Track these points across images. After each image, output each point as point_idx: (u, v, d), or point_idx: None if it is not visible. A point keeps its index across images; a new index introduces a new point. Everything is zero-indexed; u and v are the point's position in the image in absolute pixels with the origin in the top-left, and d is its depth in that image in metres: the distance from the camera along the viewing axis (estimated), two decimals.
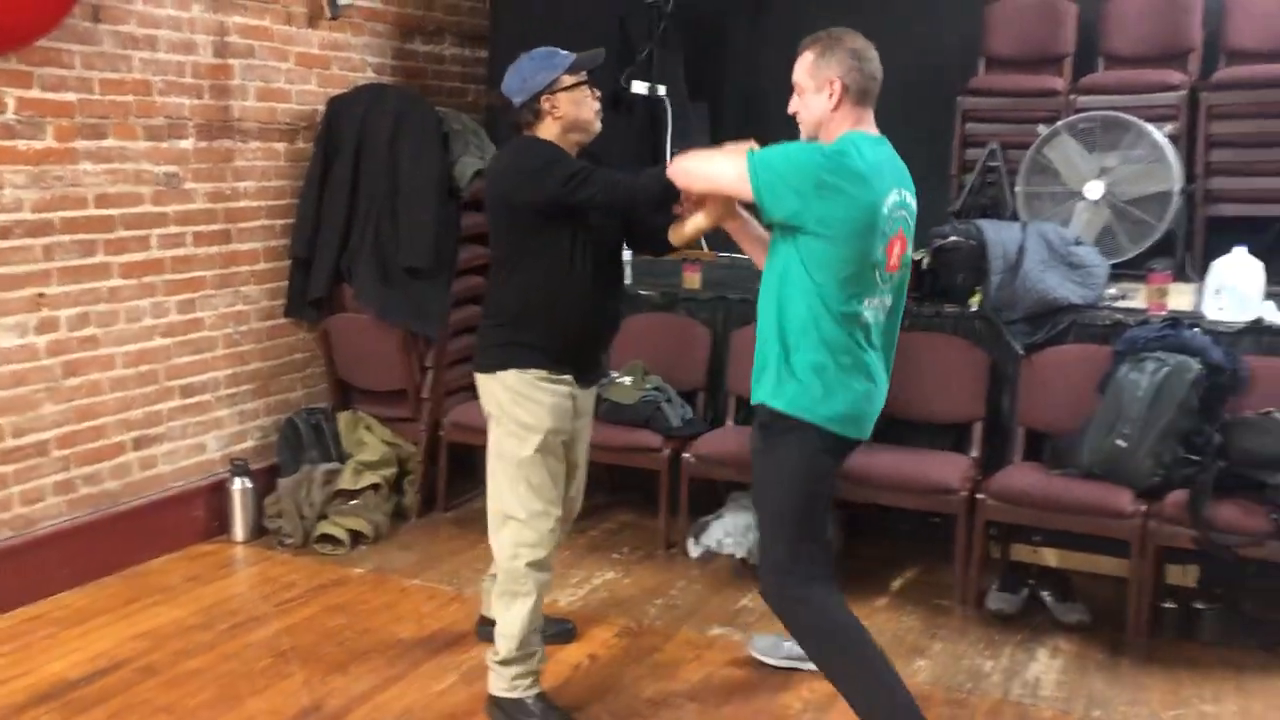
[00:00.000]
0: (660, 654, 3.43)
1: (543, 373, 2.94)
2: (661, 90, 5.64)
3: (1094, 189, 4.68)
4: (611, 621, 3.64)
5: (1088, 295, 3.97)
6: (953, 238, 4.13)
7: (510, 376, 2.94)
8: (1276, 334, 3.67)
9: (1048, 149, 4.80)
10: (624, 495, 4.83)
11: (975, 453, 3.96)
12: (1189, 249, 4.91)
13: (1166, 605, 3.54)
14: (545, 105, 2.93)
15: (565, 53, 2.96)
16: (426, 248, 4.47)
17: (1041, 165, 4.82)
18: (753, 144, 2.72)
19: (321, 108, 4.63)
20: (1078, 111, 4.99)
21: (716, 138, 6.39)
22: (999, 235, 4.04)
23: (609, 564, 4.14)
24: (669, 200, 2.87)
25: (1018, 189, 4.89)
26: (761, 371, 2.69)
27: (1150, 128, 4.65)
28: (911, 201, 2.73)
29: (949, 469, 3.80)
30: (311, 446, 4.48)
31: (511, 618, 2.96)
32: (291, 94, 4.56)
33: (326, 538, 4.24)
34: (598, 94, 3.02)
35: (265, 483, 4.41)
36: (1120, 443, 3.52)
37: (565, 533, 3.26)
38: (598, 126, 3.03)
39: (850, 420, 2.65)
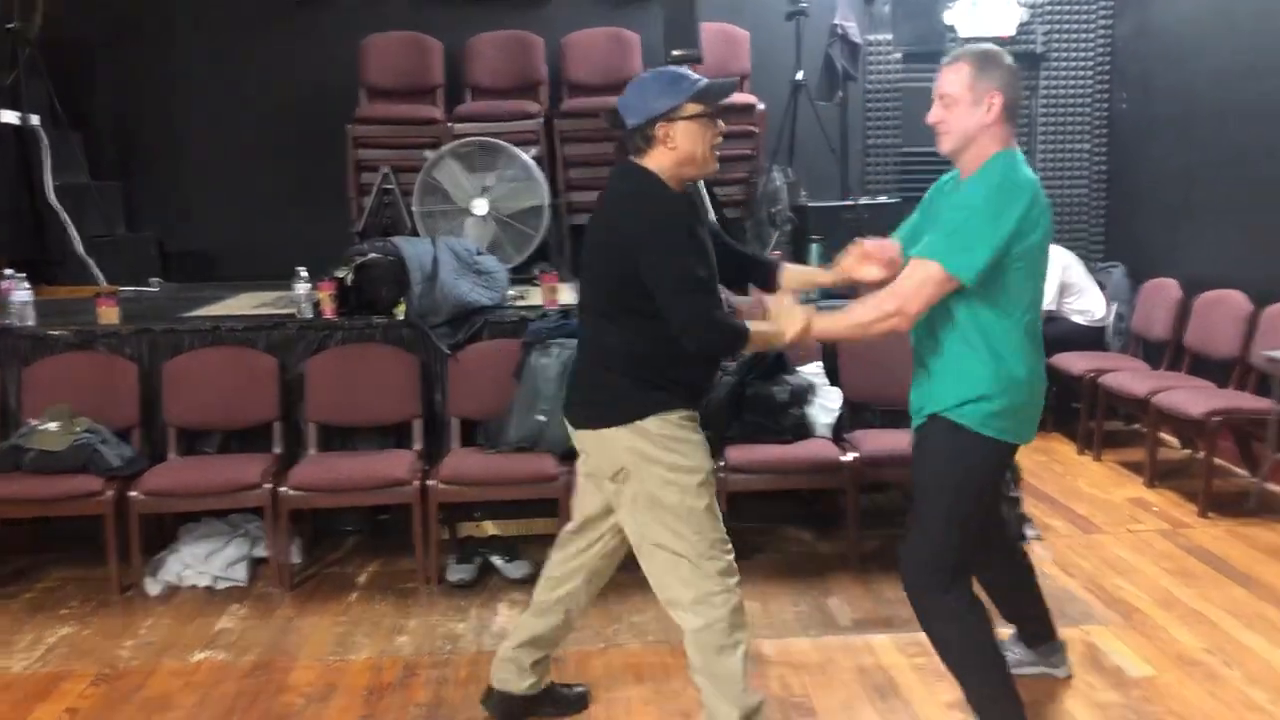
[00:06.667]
0: (146, 689, 3.38)
1: (684, 413, 2.70)
2: (34, 119, 5.31)
3: (480, 206, 5.34)
4: (82, 673, 3.48)
5: (495, 297, 4.56)
6: (372, 254, 4.48)
7: (651, 424, 2.66)
8: None
9: (435, 171, 5.37)
10: (52, 554, 4.50)
11: (418, 446, 4.38)
12: (561, 253, 5.79)
13: None
14: (659, 134, 2.61)
15: (695, 77, 2.65)
16: None
17: (432, 186, 5.38)
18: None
19: None
20: (456, 137, 5.63)
21: (93, 168, 6.16)
22: (415, 250, 4.47)
23: (59, 620, 3.90)
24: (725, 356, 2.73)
25: (414, 208, 5.41)
26: (941, 387, 2.71)
27: (518, 151, 5.41)
28: None
29: (398, 464, 4.15)
30: None
31: (729, 673, 2.70)
32: None
33: None
34: (722, 128, 2.71)
35: None
36: (540, 418, 4.15)
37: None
38: (715, 166, 2.72)
39: (1029, 430, 2.77)
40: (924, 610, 2.79)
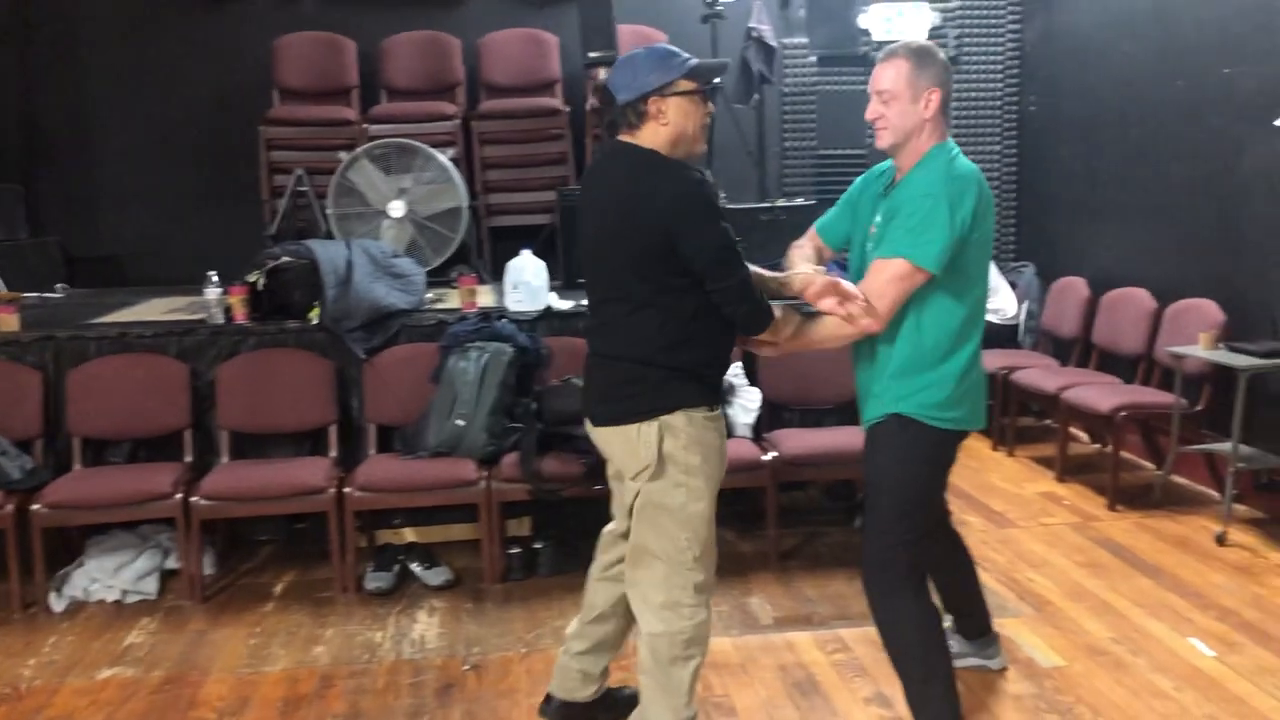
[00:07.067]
0: (50, 709, 3.27)
1: (705, 409, 2.63)
2: None
3: (396, 208, 5.27)
4: None
5: (412, 300, 4.50)
6: (285, 258, 4.40)
7: (678, 419, 2.59)
8: (562, 317, 4.50)
9: (351, 173, 5.29)
10: None
11: (334, 453, 4.30)
12: (480, 255, 5.75)
13: (512, 551, 4.20)
14: (652, 109, 2.57)
15: (686, 55, 2.61)
16: None
17: (347, 188, 5.30)
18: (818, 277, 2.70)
19: None
20: (371, 139, 5.55)
21: None
22: (328, 253, 4.40)
23: None
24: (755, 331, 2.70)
25: (329, 211, 5.32)
26: (891, 383, 2.70)
27: (435, 152, 5.35)
28: None
29: (313, 471, 4.08)
30: None
31: (676, 684, 2.68)
32: None
33: None
34: (711, 109, 2.69)
35: None
36: (459, 422, 4.11)
37: None
38: (703, 147, 2.70)
39: (979, 415, 2.78)
40: (881, 610, 2.78)
